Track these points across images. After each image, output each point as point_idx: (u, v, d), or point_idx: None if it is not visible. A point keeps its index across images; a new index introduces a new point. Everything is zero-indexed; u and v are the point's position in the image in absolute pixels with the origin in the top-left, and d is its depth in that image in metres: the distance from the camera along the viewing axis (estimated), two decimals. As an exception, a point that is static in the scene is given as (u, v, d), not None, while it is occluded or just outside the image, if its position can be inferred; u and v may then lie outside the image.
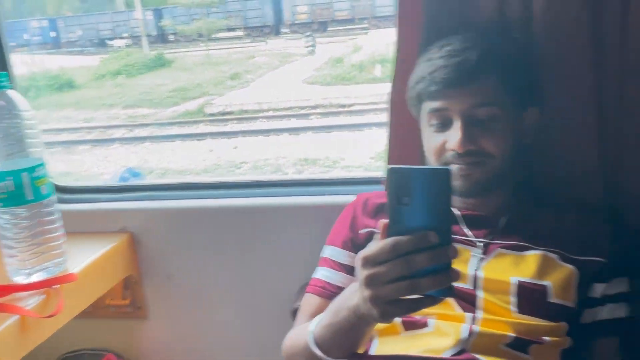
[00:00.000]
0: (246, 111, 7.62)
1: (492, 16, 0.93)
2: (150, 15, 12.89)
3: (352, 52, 9.49)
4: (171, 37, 12.91)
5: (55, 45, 13.12)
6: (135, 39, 12.58)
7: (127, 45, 12.27)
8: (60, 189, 1.26)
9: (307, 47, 10.46)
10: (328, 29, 12.41)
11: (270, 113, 7.37)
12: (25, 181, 0.96)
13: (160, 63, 10.55)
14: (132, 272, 1.24)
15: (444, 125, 0.87)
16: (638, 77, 0.89)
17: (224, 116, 7.60)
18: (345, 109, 7.09)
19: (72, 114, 8.35)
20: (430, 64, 0.87)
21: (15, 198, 0.96)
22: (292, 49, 10.95)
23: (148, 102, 8.60)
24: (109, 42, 12.87)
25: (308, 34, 11.01)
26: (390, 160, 1.05)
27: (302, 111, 7.22)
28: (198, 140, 6.61)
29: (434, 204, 0.60)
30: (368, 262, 0.63)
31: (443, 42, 0.89)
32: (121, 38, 12.84)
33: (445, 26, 0.94)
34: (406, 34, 0.98)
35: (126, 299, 1.26)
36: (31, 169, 0.97)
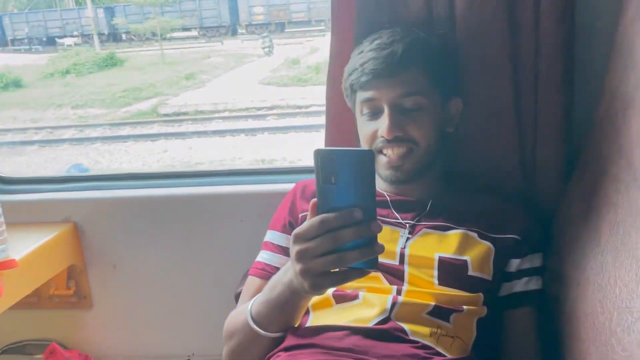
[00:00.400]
0: (201, 112, 7.56)
1: (420, 13, 1.00)
2: (101, 13, 12.56)
3: (309, 53, 9.55)
4: (124, 36, 12.64)
5: (0, 42, 12.63)
6: (86, 38, 12.24)
7: (77, 44, 11.93)
8: (3, 180, 1.26)
9: (264, 48, 10.45)
10: (285, 30, 12.43)
11: (226, 114, 7.34)
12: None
13: (112, 62, 10.31)
14: (75, 262, 1.25)
15: (375, 114, 0.94)
16: (550, 71, 0.97)
17: (178, 117, 7.50)
18: (302, 110, 7.14)
19: (18, 114, 8.06)
20: (362, 56, 0.94)
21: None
22: (249, 49, 10.91)
23: (99, 102, 8.40)
24: (59, 41, 12.47)
25: (265, 34, 11.00)
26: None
27: (259, 112, 7.22)
28: (152, 141, 6.51)
29: (359, 183, 0.65)
30: (299, 238, 0.68)
31: (374, 36, 0.95)
32: (71, 36, 12.47)
33: (376, 22, 1.00)
34: (341, 30, 1.04)
35: (70, 289, 1.26)
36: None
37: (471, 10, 0.98)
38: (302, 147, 5.57)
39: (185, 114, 7.48)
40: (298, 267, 0.69)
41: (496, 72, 0.99)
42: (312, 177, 1.13)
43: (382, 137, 0.92)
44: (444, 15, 1.00)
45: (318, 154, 0.66)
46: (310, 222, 0.67)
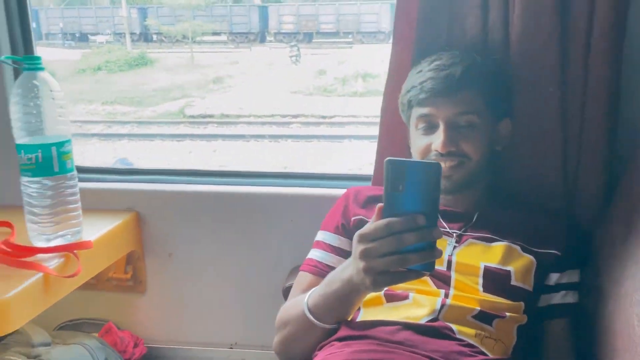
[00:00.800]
0: (227, 115, 7.68)
1: (476, 38, 1.08)
2: (135, 14, 12.83)
3: (336, 64, 9.66)
4: (155, 37, 12.87)
5: (35, 36, 12.93)
6: (118, 36, 12.49)
7: (109, 42, 12.18)
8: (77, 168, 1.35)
9: (291, 56, 10.58)
10: (313, 40, 12.56)
11: (252, 119, 7.44)
12: (53, 155, 1.06)
13: (142, 62, 10.52)
14: (135, 248, 1.34)
15: (430, 128, 1.01)
16: (596, 97, 1.04)
17: (204, 119, 7.63)
18: (326, 119, 7.22)
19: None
20: (421, 75, 1.01)
21: (43, 169, 1.06)
22: (277, 57, 11.05)
23: (128, 100, 8.58)
24: (91, 37, 12.74)
25: (293, 43, 11.14)
26: (380, 157, 1.19)
27: (284, 119, 7.31)
28: (177, 141, 6.64)
29: (424, 192, 0.72)
30: (364, 238, 0.75)
31: (433, 57, 1.03)
32: (103, 34, 12.73)
33: (434, 45, 1.08)
34: (400, 50, 1.12)
35: (127, 273, 1.35)
36: (59, 144, 1.07)
37: (525, 38, 1.05)
38: (325, 157, 5.65)
39: (211, 116, 7.62)
40: (362, 264, 0.76)
41: (545, 96, 1.06)
42: (362, 184, 1.21)
43: (436, 150, 0.99)
44: (499, 40, 1.07)
45: (389, 163, 0.73)
46: (376, 224, 0.74)
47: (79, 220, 1.12)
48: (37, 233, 1.09)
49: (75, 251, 1.08)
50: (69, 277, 1.03)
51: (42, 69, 1.08)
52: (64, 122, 1.10)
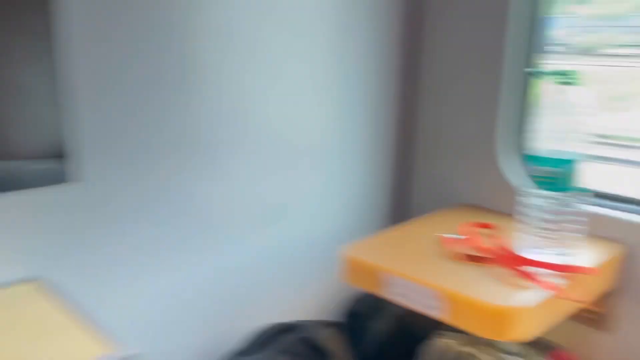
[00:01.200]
0: (627, 137, 6.74)
1: None
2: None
3: None
4: (557, 49, 12.38)
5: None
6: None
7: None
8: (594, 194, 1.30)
9: None
10: None
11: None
12: (570, 171, 1.05)
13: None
14: (615, 285, 1.23)
15: None
16: None
17: (600, 139, 6.89)
18: None
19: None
20: None
21: (558, 184, 1.05)
22: None
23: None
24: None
25: None
26: None
27: None
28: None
29: None
30: None
31: None
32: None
33: None
34: None
35: (597, 306, 1.25)
36: (576, 162, 1.05)
37: None
38: None
39: (607, 136, 6.83)
40: None
41: None
42: None
43: None
44: None
45: None
46: None
47: (576, 242, 1.07)
48: (527, 244, 1.10)
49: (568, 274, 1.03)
50: (577, 301, 0.99)
51: (574, 83, 1.06)
52: (583, 139, 1.06)
